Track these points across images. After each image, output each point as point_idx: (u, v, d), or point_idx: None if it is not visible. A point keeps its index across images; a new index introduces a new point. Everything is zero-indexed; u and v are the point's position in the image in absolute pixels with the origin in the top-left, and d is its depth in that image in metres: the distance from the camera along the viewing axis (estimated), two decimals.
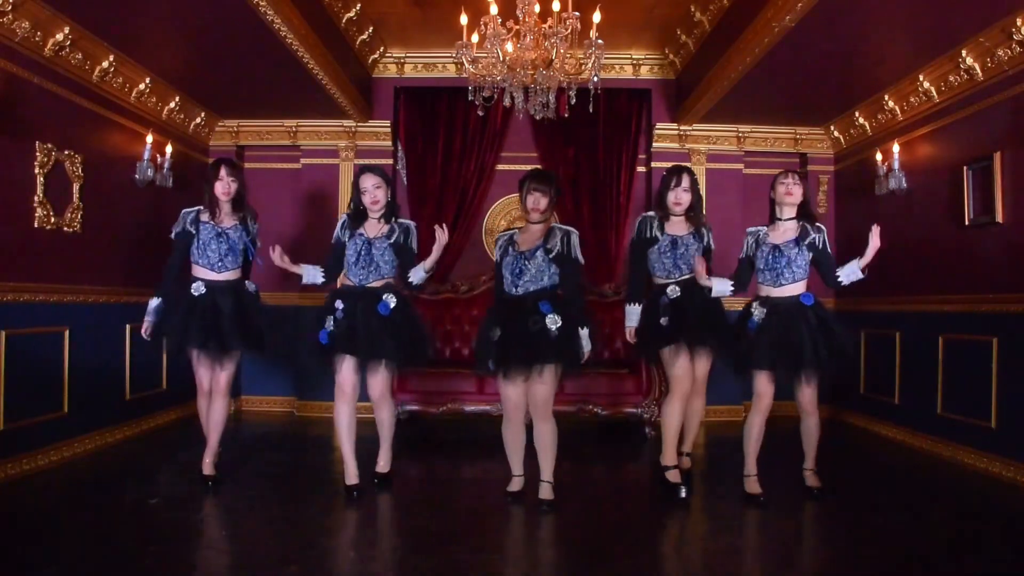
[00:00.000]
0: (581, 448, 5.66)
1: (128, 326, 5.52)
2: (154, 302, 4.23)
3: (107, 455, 5.05)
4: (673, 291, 4.20)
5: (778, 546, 3.62)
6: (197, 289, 4.17)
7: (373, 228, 4.16)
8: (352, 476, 4.10)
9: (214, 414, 4.29)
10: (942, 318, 5.37)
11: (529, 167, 6.94)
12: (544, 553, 3.45)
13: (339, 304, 4.04)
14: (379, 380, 4.15)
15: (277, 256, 4.07)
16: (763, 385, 4.09)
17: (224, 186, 4.24)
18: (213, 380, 4.28)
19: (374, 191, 4.09)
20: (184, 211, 4.33)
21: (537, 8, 4.38)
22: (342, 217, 4.26)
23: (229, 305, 4.19)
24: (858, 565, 3.20)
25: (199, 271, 4.25)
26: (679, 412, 4.19)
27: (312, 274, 4.22)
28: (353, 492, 4.05)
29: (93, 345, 5.10)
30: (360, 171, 4.21)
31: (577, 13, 4.23)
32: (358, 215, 4.17)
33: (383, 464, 4.35)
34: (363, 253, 4.10)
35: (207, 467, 4.28)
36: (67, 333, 4.84)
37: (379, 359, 4.09)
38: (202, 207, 4.30)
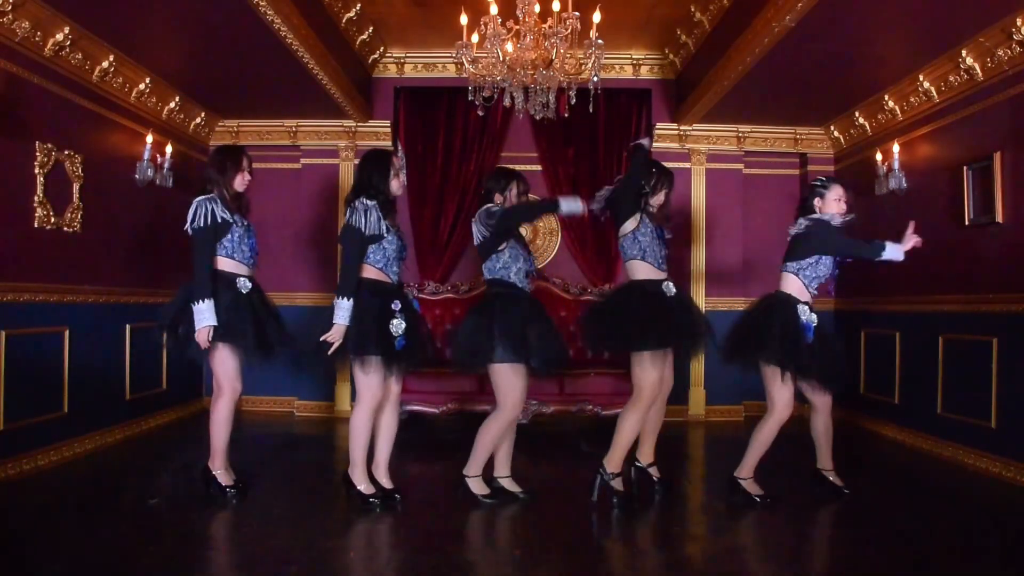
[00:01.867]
0: (580, 447, 5.66)
1: (128, 326, 5.53)
2: (206, 304, 3.76)
3: (107, 455, 5.05)
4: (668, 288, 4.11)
5: (778, 547, 3.62)
6: (244, 286, 3.95)
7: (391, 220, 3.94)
8: (371, 484, 3.95)
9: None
10: (942, 318, 5.37)
11: (529, 167, 7.01)
12: (544, 553, 3.45)
13: (396, 305, 3.76)
14: (398, 384, 3.99)
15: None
16: (790, 393, 3.99)
17: (245, 179, 4.06)
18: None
19: (403, 174, 3.90)
20: (203, 199, 3.90)
21: (537, 8, 4.37)
22: (368, 205, 3.75)
23: (268, 303, 4.10)
24: (858, 565, 3.20)
25: (235, 266, 3.98)
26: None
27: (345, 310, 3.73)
28: (372, 500, 3.88)
29: (93, 345, 5.11)
30: (381, 152, 3.93)
31: (577, 13, 4.23)
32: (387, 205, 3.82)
33: (388, 479, 4.02)
34: (400, 248, 3.89)
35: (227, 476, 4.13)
36: (67, 333, 4.85)
37: (424, 361, 3.98)
38: (214, 196, 3.94)
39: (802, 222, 4.10)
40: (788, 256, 4.09)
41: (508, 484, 4.11)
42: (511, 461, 4.15)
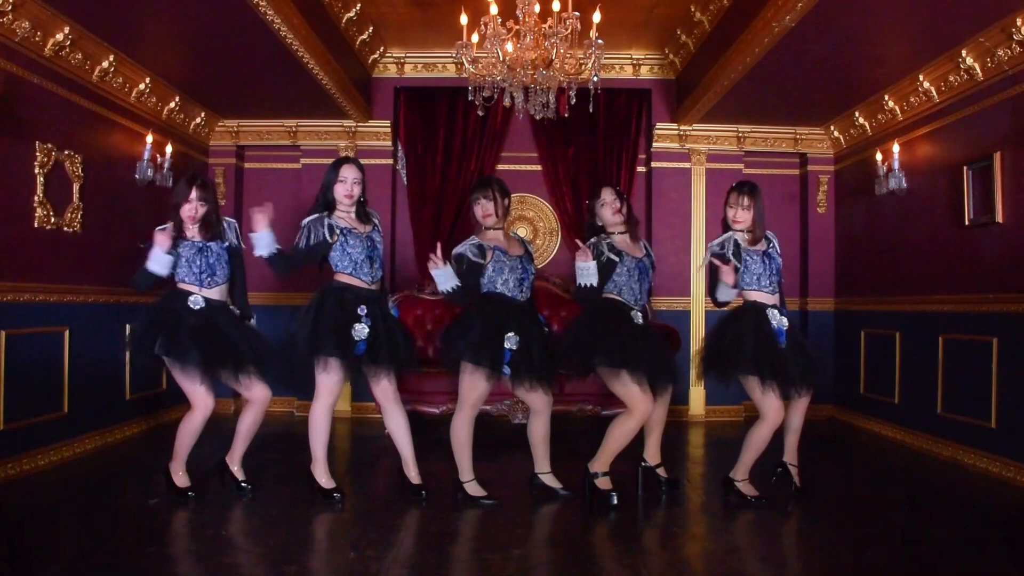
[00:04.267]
0: (579, 447, 5.66)
1: (128, 326, 5.50)
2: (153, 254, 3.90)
3: (107, 455, 5.05)
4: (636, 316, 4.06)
5: (777, 547, 3.62)
6: (195, 302, 3.97)
7: (356, 224, 3.98)
8: (331, 479, 4.07)
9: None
10: (942, 318, 5.37)
11: (529, 167, 7.03)
12: (542, 552, 3.46)
13: (363, 310, 3.86)
14: (391, 385, 4.02)
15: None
16: (778, 398, 3.93)
17: (192, 209, 4.00)
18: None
19: (353, 185, 3.92)
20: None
21: (537, 8, 4.37)
22: (314, 218, 3.92)
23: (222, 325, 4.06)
24: (858, 565, 3.20)
25: (186, 285, 4.01)
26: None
27: (268, 242, 3.92)
28: (335, 495, 3.99)
29: (93, 345, 5.11)
30: (339, 161, 4.01)
31: (577, 13, 4.23)
32: (328, 208, 3.94)
33: (416, 474, 4.09)
34: (369, 250, 3.95)
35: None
36: (67, 333, 4.85)
37: (402, 366, 4.00)
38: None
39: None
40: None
41: (549, 480, 4.17)
42: (550, 458, 4.20)
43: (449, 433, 4.04)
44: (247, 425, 4.13)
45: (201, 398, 3.98)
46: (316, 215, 3.94)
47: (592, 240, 4.06)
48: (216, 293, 4.04)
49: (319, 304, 3.90)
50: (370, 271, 3.95)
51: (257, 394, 4.07)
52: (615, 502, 3.92)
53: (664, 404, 4.23)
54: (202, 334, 3.89)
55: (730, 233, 4.03)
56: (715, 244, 4.05)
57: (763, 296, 3.98)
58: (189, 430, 4.02)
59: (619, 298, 4.03)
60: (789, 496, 4.14)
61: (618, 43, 6.55)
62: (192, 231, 4.03)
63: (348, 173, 3.94)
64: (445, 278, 3.92)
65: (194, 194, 4.00)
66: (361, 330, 3.83)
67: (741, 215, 3.99)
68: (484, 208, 4.00)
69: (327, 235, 3.90)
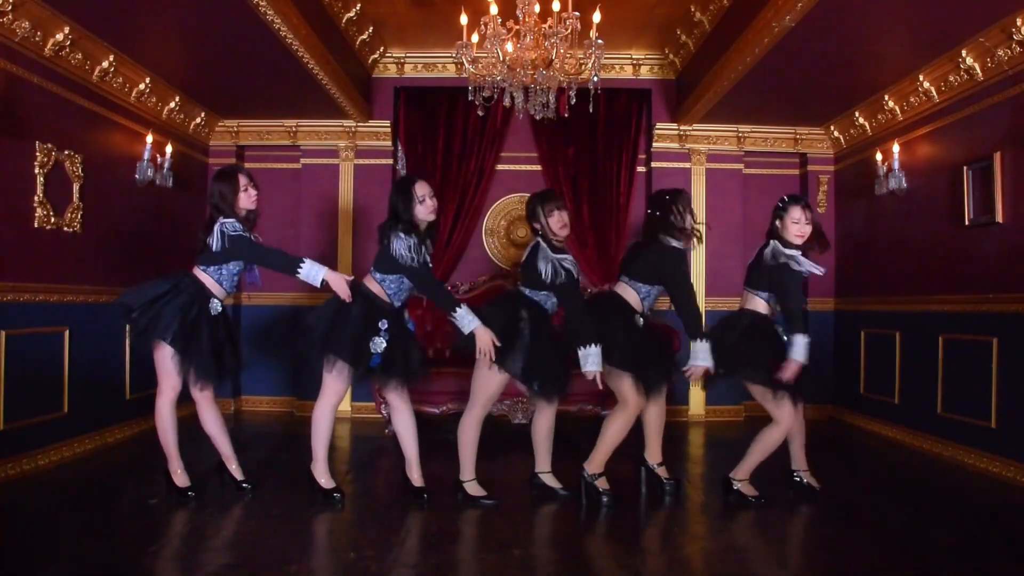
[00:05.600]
0: (580, 447, 5.66)
1: (128, 326, 5.51)
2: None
3: (107, 455, 5.05)
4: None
5: (777, 546, 3.62)
6: (215, 308, 4.03)
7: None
8: (331, 479, 4.09)
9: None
10: (942, 318, 5.37)
11: (529, 167, 7.03)
12: (542, 552, 3.46)
13: (384, 324, 3.86)
14: (402, 387, 4.04)
15: None
16: (791, 404, 3.93)
17: (251, 196, 4.04)
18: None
19: (431, 200, 3.88)
20: (226, 221, 3.90)
21: (537, 8, 4.38)
22: (406, 237, 3.77)
23: (230, 329, 4.21)
24: (858, 565, 3.20)
25: (215, 287, 4.04)
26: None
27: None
28: (335, 494, 4.00)
29: (93, 345, 5.11)
30: (408, 180, 3.91)
31: (577, 13, 4.23)
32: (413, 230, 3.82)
33: (419, 476, 4.10)
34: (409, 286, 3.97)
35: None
36: (67, 333, 4.85)
37: (416, 377, 4.01)
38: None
39: (771, 253, 3.94)
40: (756, 281, 4.02)
41: (549, 480, 4.18)
42: (551, 458, 4.21)
43: (456, 431, 4.04)
44: (213, 426, 4.14)
45: (170, 379, 3.95)
46: (413, 238, 3.80)
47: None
48: (227, 296, 4.14)
49: (344, 305, 3.85)
50: (403, 298, 3.97)
51: (205, 394, 4.07)
52: (611, 502, 3.95)
53: (659, 402, 4.23)
54: (215, 340, 3.98)
55: (797, 252, 3.91)
56: (796, 261, 3.91)
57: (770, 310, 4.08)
58: (164, 420, 3.99)
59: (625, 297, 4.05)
60: (797, 497, 4.15)
61: (618, 43, 6.55)
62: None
63: (424, 190, 3.87)
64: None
65: (244, 181, 4.03)
66: (379, 343, 3.84)
67: (806, 230, 3.93)
68: (562, 218, 3.93)
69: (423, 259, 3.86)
